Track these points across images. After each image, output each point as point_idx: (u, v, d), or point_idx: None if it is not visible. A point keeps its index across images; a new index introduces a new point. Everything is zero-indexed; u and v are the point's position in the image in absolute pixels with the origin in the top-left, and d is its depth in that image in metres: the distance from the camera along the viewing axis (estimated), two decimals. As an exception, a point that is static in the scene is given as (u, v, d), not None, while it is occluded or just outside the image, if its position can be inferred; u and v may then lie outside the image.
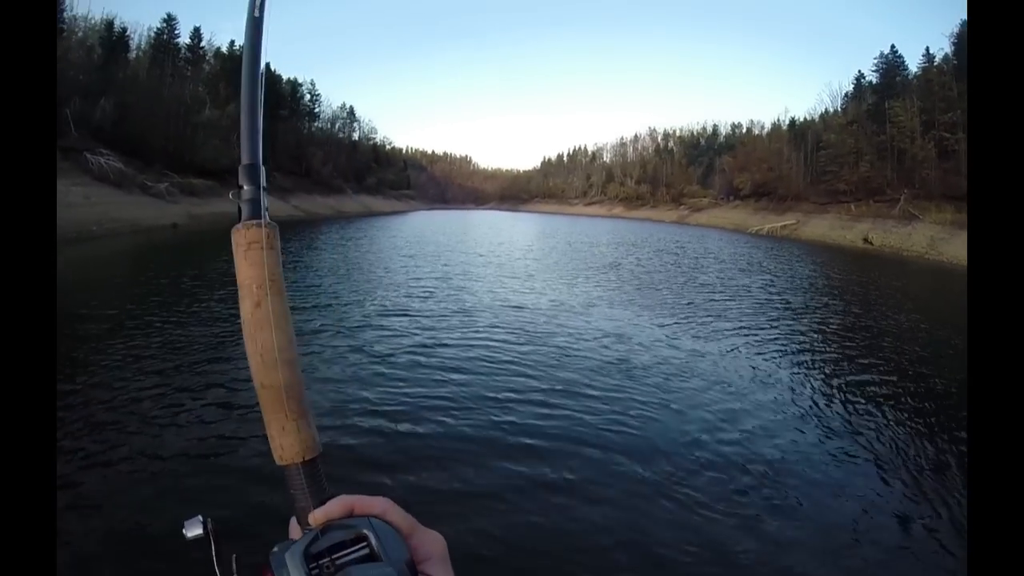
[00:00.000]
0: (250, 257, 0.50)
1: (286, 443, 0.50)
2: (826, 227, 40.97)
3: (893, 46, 47.91)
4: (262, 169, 0.53)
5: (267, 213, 0.53)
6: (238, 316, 0.49)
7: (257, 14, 0.56)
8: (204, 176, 35.77)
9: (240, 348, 0.51)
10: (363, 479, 4.41)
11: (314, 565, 0.42)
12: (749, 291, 15.24)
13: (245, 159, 0.52)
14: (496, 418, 5.69)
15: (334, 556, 0.43)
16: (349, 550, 0.44)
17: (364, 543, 0.44)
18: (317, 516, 0.47)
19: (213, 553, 0.44)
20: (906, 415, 6.41)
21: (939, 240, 30.55)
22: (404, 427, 5.41)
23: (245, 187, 0.52)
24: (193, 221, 30.38)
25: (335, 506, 0.48)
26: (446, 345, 8.35)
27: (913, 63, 46.15)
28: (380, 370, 7.07)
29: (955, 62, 39.45)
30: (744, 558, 3.68)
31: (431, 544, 0.47)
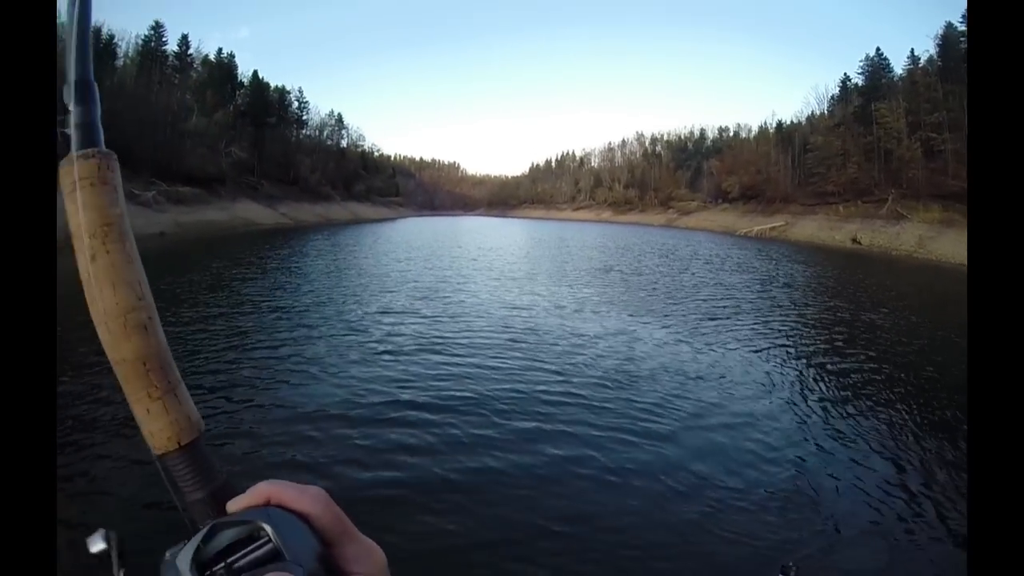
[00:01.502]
0: (81, 197, 0.42)
1: (155, 428, 0.42)
2: (815, 228, 41.28)
3: (878, 48, 48.79)
4: (94, 85, 0.45)
5: (102, 140, 0.44)
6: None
7: None
8: (192, 184, 35.42)
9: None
10: (367, 465, 4.48)
11: (208, 572, 0.35)
12: (740, 291, 15.31)
13: (75, 75, 0.44)
14: (506, 418, 5.65)
15: (229, 559, 0.36)
16: (247, 549, 0.36)
17: (266, 539, 0.36)
18: (229, 507, 0.40)
19: (114, 568, 0.38)
20: (909, 412, 6.44)
21: (927, 239, 30.83)
22: (414, 416, 5.52)
23: (73, 108, 0.44)
24: (181, 229, 30.04)
25: (251, 495, 0.40)
26: (454, 344, 8.35)
27: (898, 65, 47.11)
28: (386, 369, 7.09)
29: (940, 63, 40.03)
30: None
31: (363, 558, 0.39)
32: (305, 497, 0.39)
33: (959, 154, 35.11)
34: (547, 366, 7.42)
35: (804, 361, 8.37)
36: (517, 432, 5.34)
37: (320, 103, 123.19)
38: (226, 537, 0.37)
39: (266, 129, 55.55)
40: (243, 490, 0.41)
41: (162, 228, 28.62)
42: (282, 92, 64.43)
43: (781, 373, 7.61)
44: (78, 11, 0.45)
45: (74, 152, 0.43)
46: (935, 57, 41.04)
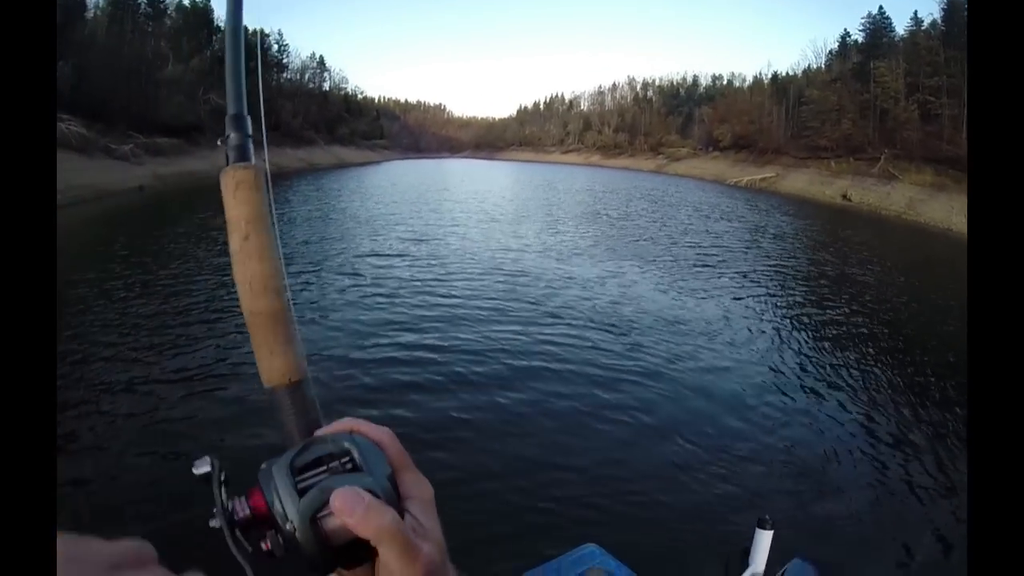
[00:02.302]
0: (238, 196, 0.53)
1: (274, 366, 0.52)
2: (805, 182, 41.04)
3: (881, 7, 47.37)
4: (247, 118, 0.56)
5: (254, 157, 0.56)
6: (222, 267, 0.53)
7: None
8: (169, 134, 34.01)
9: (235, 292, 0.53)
10: (372, 402, 4.87)
11: (300, 478, 0.42)
12: (729, 240, 15.45)
13: (231, 109, 0.56)
14: (497, 357, 5.89)
15: (319, 469, 0.43)
16: (334, 463, 0.44)
17: (348, 457, 0.44)
18: (317, 434, 0.48)
19: (216, 488, 0.43)
20: (892, 369, 6.62)
21: (918, 201, 30.81)
22: (409, 355, 5.84)
23: (232, 135, 0.55)
24: (159, 182, 28.98)
25: (336, 425, 0.48)
26: (445, 285, 8.61)
27: (900, 25, 46.00)
28: (379, 310, 7.33)
29: (943, 28, 38.92)
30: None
31: (418, 486, 0.46)
32: (379, 431, 0.47)
33: (956, 120, 34.63)
34: (536, 308, 7.65)
35: (792, 312, 8.65)
36: (508, 370, 5.59)
37: (300, 46, 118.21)
38: (317, 451, 0.44)
39: (245, 74, 53.32)
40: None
41: (141, 182, 27.61)
42: (261, 35, 61.54)
43: (769, 323, 7.85)
44: (231, 56, 0.57)
45: (232, 163, 0.55)
46: (939, 21, 39.81)
